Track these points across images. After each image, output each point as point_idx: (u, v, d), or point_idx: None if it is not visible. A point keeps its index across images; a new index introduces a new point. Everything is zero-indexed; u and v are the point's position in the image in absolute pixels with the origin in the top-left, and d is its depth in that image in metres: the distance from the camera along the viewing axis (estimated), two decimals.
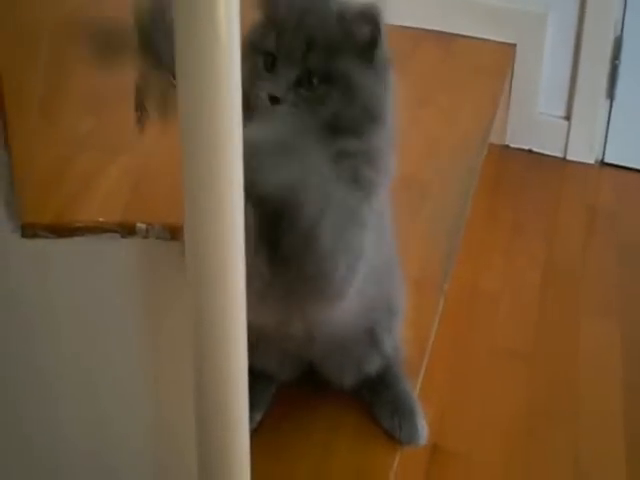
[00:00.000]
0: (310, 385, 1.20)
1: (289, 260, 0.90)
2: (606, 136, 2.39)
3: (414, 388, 1.24)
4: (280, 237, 0.89)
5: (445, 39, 2.26)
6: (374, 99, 0.97)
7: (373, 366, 1.19)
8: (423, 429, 1.18)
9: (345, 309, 1.00)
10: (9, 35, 1.09)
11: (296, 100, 0.94)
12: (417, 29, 2.25)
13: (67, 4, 1.41)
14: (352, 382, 1.19)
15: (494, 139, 2.17)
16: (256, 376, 1.01)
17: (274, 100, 0.94)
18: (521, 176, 2.35)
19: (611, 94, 2.35)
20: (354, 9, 0.96)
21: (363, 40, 0.96)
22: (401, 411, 1.18)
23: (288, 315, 1.01)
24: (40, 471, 1.05)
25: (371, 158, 0.97)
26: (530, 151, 2.41)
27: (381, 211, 1.03)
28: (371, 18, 0.95)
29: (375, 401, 1.20)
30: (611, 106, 2.37)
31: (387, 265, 1.12)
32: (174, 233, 0.90)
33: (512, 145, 2.41)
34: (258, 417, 1.15)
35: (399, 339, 1.22)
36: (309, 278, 0.92)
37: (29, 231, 0.91)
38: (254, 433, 0.97)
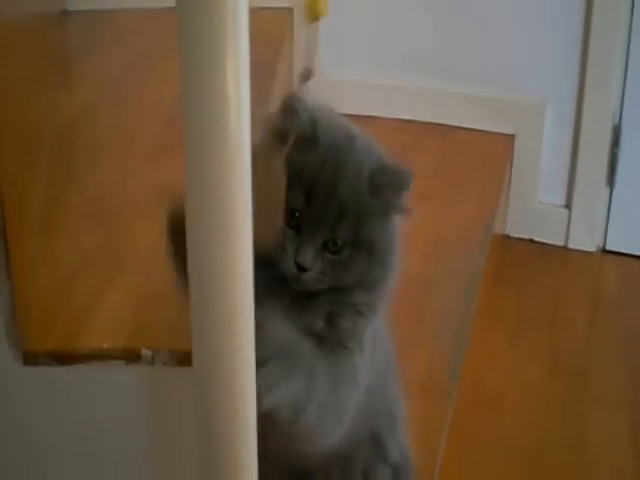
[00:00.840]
0: None
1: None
2: (607, 224, 2.39)
3: None
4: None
5: (445, 131, 2.26)
6: (393, 254, 0.96)
7: (382, 477, 1.15)
8: None
9: (337, 436, 0.98)
10: (9, 153, 1.08)
11: (322, 268, 0.92)
12: (417, 122, 2.25)
13: (64, 113, 1.40)
14: None
15: (495, 229, 2.16)
16: None
17: (301, 269, 0.92)
18: (523, 266, 2.33)
19: (611, 182, 2.35)
20: (388, 175, 0.94)
21: (392, 203, 0.94)
22: None
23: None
24: None
25: (376, 299, 0.97)
26: (531, 240, 2.40)
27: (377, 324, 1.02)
28: (406, 185, 0.93)
29: None
30: (611, 194, 2.36)
31: (384, 373, 1.09)
32: (181, 359, 0.88)
33: (513, 235, 2.40)
34: None
35: (406, 446, 1.18)
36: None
37: (31, 359, 0.89)
38: None
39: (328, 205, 0.92)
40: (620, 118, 2.30)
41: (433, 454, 1.31)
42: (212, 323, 0.71)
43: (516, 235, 2.40)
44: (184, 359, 0.87)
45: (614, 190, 2.36)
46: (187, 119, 0.66)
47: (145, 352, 0.88)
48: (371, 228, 0.93)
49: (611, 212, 2.38)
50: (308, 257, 0.91)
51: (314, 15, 1.08)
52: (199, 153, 0.66)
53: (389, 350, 1.11)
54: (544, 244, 2.40)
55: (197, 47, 0.64)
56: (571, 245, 2.39)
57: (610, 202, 2.37)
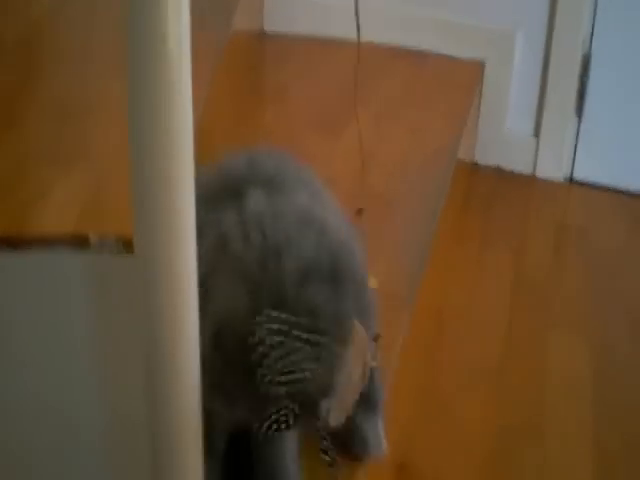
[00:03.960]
0: None
1: None
2: (575, 153, 2.39)
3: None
4: None
5: (416, 56, 2.26)
6: None
7: None
8: (377, 439, 1.16)
9: None
10: None
11: None
12: (389, 46, 2.25)
13: (33, 12, 1.40)
14: None
15: (463, 156, 2.17)
16: None
17: None
18: (490, 193, 2.34)
19: (580, 111, 2.35)
20: None
21: None
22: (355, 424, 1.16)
23: None
24: None
25: None
26: (499, 168, 2.41)
27: None
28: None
29: None
30: (579, 123, 2.37)
31: None
32: (129, 246, 0.89)
33: (481, 162, 2.41)
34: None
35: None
36: None
37: None
38: None
39: None
40: (590, 47, 2.30)
41: (389, 360, 1.32)
42: (153, 210, 0.72)
43: (484, 162, 2.41)
44: (131, 246, 0.88)
45: (582, 120, 2.36)
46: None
47: (93, 238, 0.89)
48: None
49: (579, 142, 2.39)
50: None
51: None
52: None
53: None
54: (512, 172, 2.40)
55: None
56: (538, 174, 2.40)
57: (578, 132, 2.38)
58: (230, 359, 0.86)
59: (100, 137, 1.04)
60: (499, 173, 2.40)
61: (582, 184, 2.41)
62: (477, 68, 2.28)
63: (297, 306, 0.86)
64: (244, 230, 0.91)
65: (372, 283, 1.08)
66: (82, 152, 1.02)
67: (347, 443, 1.15)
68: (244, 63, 2.06)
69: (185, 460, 0.80)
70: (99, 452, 1.00)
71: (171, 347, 0.77)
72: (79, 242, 0.89)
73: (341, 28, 2.21)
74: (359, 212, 1.53)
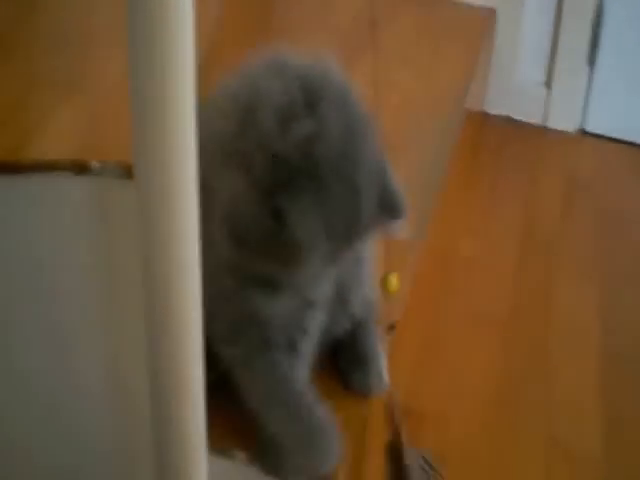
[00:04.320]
0: None
1: None
2: (586, 104, 2.37)
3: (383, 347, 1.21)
4: None
5: (426, 3, 2.22)
6: None
7: (341, 328, 1.16)
8: (377, 378, 1.15)
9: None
10: None
11: None
12: None
13: None
14: (321, 346, 1.16)
15: (473, 105, 2.14)
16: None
17: None
18: (500, 143, 2.32)
19: (592, 60, 2.32)
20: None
21: None
22: (357, 361, 1.15)
23: None
24: None
25: None
26: (509, 118, 2.38)
27: None
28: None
29: (340, 356, 1.17)
30: (592, 72, 2.34)
31: None
32: (129, 171, 0.87)
33: (491, 112, 2.38)
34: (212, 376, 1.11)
35: (370, 294, 1.18)
36: None
37: None
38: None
39: None
40: None
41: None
42: (152, 135, 0.70)
43: (494, 112, 2.38)
44: (132, 172, 0.87)
45: (595, 70, 2.33)
46: None
47: (94, 164, 0.88)
48: None
49: (591, 93, 2.36)
50: None
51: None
52: None
53: None
54: (522, 122, 2.38)
55: None
56: (550, 124, 2.38)
57: (590, 82, 2.35)
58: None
59: (100, 65, 1.02)
60: (509, 123, 2.38)
61: (593, 135, 2.39)
62: (488, 15, 2.25)
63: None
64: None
65: (394, 284, 1.06)
66: (81, 80, 1.00)
67: (349, 377, 1.14)
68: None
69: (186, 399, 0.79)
70: (99, 396, 1.00)
71: (170, 270, 0.75)
72: (79, 167, 0.88)
73: None
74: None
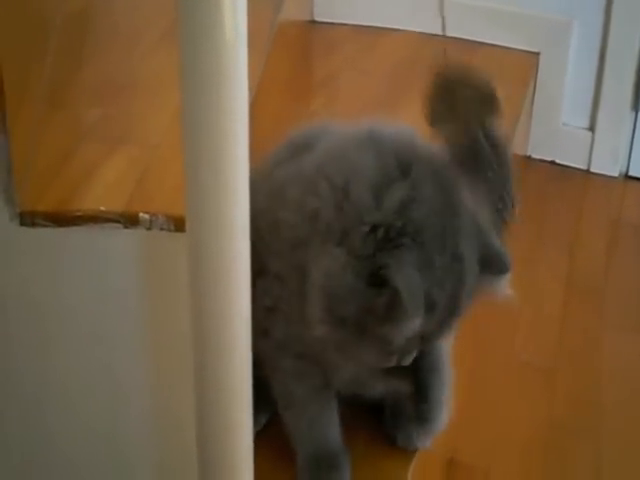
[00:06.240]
0: None
1: None
2: (631, 148, 2.34)
3: None
4: None
5: (469, 47, 2.21)
6: None
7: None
8: (421, 434, 1.13)
9: None
10: (14, 23, 1.07)
11: None
12: (439, 36, 2.21)
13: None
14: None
15: (516, 149, 2.13)
16: (263, 377, 0.97)
17: None
18: (543, 187, 2.30)
19: (636, 106, 2.30)
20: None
21: None
22: (399, 414, 1.13)
23: None
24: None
25: None
26: (553, 162, 2.36)
27: None
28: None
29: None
30: (636, 118, 2.31)
31: None
32: (178, 224, 0.87)
33: (534, 156, 2.36)
34: (263, 420, 1.10)
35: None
36: None
37: (28, 219, 0.88)
38: (259, 436, 0.93)
39: None
40: None
41: None
42: (206, 190, 0.70)
43: (538, 156, 2.36)
44: (181, 224, 0.86)
45: (639, 114, 2.31)
46: None
47: (143, 216, 0.87)
48: None
49: (635, 137, 2.33)
50: None
51: None
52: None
53: None
54: (566, 167, 2.35)
55: None
56: (593, 169, 2.35)
57: (635, 126, 2.32)
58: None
59: (149, 115, 1.02)
60: (553, 167, 2.35)
61: (638, 180, 2.36)
62: (532, 59, 2.24)
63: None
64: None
65: None
66: (130, 131, 1.00)
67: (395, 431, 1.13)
68: (293, 52, 2.03)
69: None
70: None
71: (220, 323, 0.74)
72: (129, 219, 0.87)
73: (389, 17, 2.19)
74: None
